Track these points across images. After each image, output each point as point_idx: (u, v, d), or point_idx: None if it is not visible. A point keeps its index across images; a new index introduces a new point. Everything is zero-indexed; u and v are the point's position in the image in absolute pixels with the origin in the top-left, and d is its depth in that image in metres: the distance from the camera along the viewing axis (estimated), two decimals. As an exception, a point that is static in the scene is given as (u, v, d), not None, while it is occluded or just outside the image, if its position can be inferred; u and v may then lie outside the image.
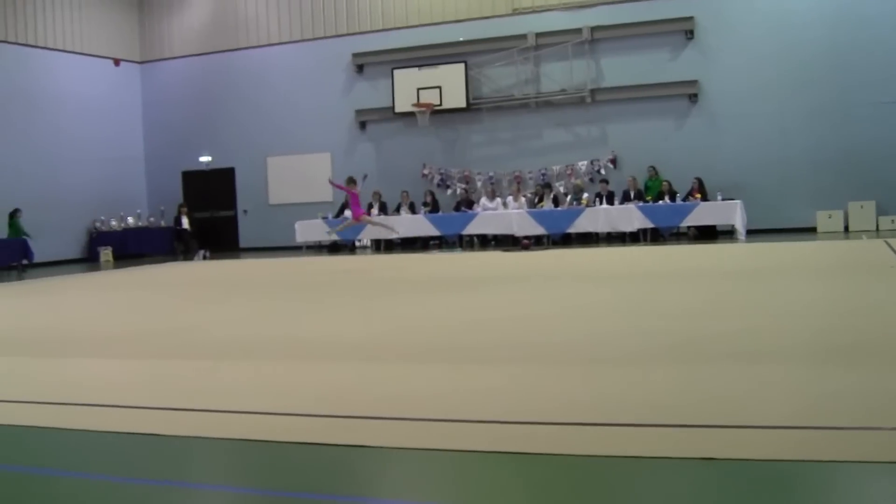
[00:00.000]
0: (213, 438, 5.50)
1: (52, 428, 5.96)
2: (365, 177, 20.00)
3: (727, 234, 22.11)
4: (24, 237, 23.80)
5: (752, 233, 21.49)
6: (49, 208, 25.86)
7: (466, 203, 24.88)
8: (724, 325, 8.79)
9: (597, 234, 23.19)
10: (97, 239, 27.33)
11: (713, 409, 5.53)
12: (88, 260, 26.93)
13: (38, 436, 5.85)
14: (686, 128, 23.90)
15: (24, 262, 22.76)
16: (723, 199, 21.84)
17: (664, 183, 22.93)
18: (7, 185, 24.88)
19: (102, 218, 27.82)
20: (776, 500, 4.08)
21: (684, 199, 22.33)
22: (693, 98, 23.78)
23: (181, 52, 29.59)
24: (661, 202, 22.43)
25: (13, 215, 24.66)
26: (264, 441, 5.37)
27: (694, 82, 23.71)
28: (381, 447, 5.11)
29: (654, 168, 23.61)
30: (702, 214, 21.82)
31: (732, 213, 21.54)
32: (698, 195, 22.20)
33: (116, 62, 29.12)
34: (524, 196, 24.25)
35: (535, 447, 4.93)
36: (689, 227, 22.53)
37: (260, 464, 5.10)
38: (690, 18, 23.75)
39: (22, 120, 25.76)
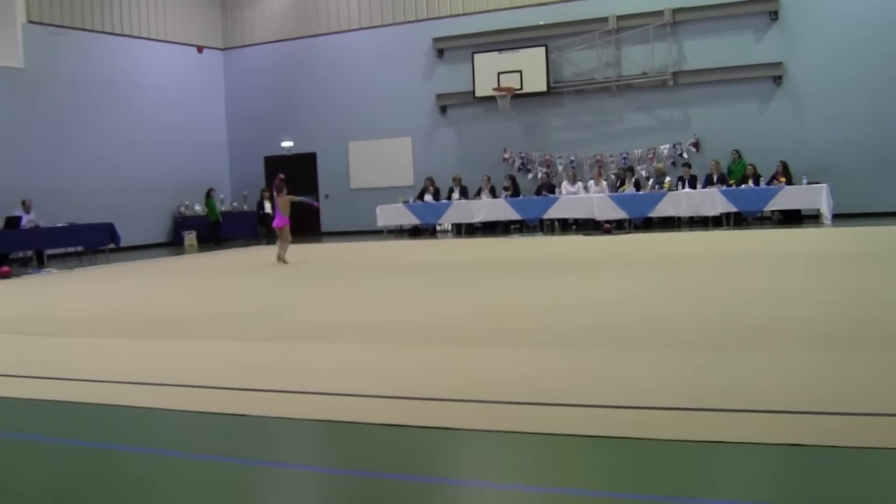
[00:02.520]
0: (299, 419, 5.65)
1: (144, 408, 6.17)
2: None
3: (812, 218, 21.77)
4: (217, 218, 26.33)
5: (839, 217, 21.17)
6: (135, 193, 26.38)
7: (548, 187, 24.84)
8: (805, 310, 8.78)
9: (679, 218, 23.01)
10: (181, 223, 27.80)
11: (795, 395, 5.54)
12: (173, 244, 27.39)
13: (125, 414, 6.06)
14: (770, 111, 23.60)
15: (112, 245, 23.19)
16: (808, 183, 21.49)
17: (748, 167, 22.67)
18: (94, 171, 25.46)
19: (187, 203, 28.29)
20: (860, 488, 4.09)
21: (768, 183, 22.04)
22: (778, 80, 23.47)
23: (263, 38, 29.90)
24: (744, 186, 22.18)
25: (209, 195, 26.56)
26: (349, 422, 5.49)
27: (778, 64, 23.39)
28: (464, 429, 5.20)
29: (737, 151, 23.35)
30: (786, 198, 21.53)
31: (818, 197, 21.22)
32: (783, 179, 21.88)
33: (199, 49, 29.50)
34: (605, 180, 24.14)
35: (616, 431, 4.99)
36: (773, 212, 22.28)
37: (344, 445, 5.22)
38: (775, -1, 23.49)
39: (108, 107, 26.26)
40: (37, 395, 6.73)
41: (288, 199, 18.11)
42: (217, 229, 27.10)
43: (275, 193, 18.39)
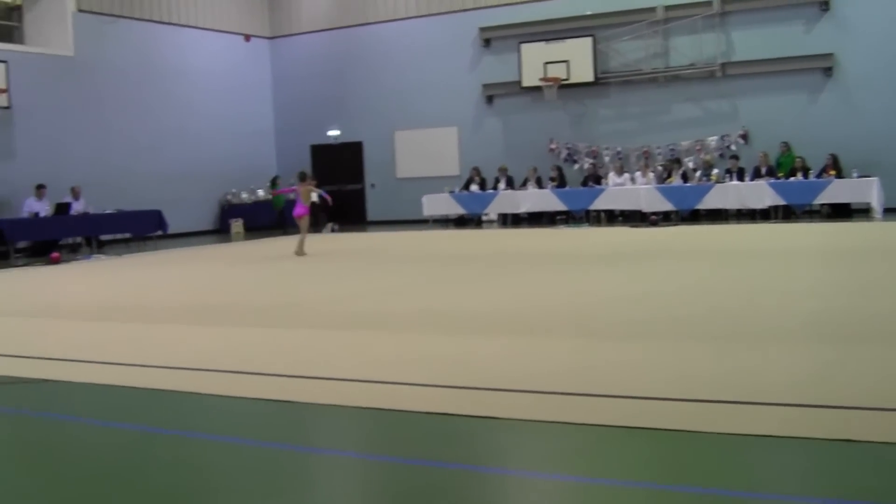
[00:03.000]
0: (346, 406, 5.72)
1: (191, 392, 6.30)
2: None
3: (862, 212, 21.51)
4: (282, 205, 26.29)
5: (890, 211, 20.90)
6: (182, 181, 26.61)
7: (594, 178, 24.75)
8: (855, 303, 8.76)
9: (726, 210, 22.86)
10: (228, 211, 28.01)
11: (848, 390, 5.52)
12: (220, 231, 27.61)
13: (177, 399, 6.19)
14: (820, 103, 23.37)
15: (159, 232, 23.43)
16: (858, 177, 21.26)
17: (797, 159, 22.44)
18: (142, 159, 25.72)
19: (233, 191, 28.48)
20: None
21: (818, 176, 21.83)
22: (828, 72, 23.22)
23: (310, 27, 29.98)
24: (793, 179, 21.97)
25: (274, 182, 27.08)
26: (397, 410, 5.56)
27: (829, 56, 23.13)
28: (513, 419, 5.24)
29: (786, 144, 23.12)
30: (836, 192, 21.30)
31: (868, 191, 20.96)
32: (832, 172, 21.65)
33: (247, 38, 29.64)
34: (652, 171, 24.02)
35: (665, 423, 5.00)
36: (822, 205, 22.04)
37: (391, 432, 5.29)
38: (826, -10, 23.21)
39: (156, 95, 26.50)
40: (86, 379, 6.89)
41: (309, 189, 17.98)
42: (283, 216, 26.98)
43: (297, 182, 18.17)
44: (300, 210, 17.62)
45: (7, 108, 22.26)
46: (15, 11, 24.42)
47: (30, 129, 22.96)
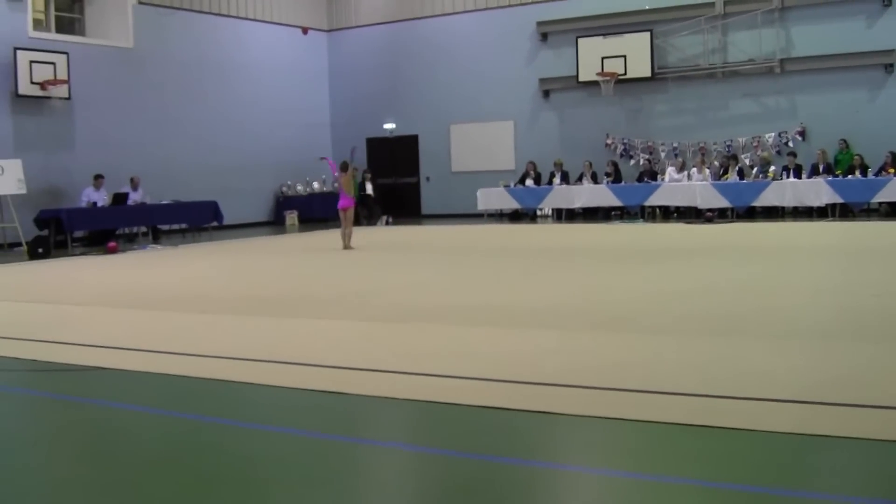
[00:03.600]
0: (397, 399, 5.75)
1: (244, 382, 6.36)
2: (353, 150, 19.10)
3: (922, 210, 21.24)
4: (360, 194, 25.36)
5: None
6: (238, 172, 26.81)
7: (650, 174, 24.61)
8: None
9: (783, 208, 22.60)
10: (283, 203, 28.20)
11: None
12: (275, 223, 27.80)
13: (230, 389, 6.25)
14: (881, 100, 23.02)
15: (215, 223, 23.63)
16: (919, 175, 20.98)
17: (855, 157, 22.15)
18: (199, 150, 25.96)
19: (289, 182, 28.64)
20: None
21: (876, 174, 21.53)
22: (889, 68, 22.88)
23: (367, 20, 30.06)
24: (851, 177, 21.70)
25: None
26: (448, 403, 5.55)
27: (891, 52, 22.78)
28: (564, 414, 5.22)
29: (845, 141, 22.84)
30: (895, 190, 20.97)
31: (928, 190, 20.68)
32: (892, 170, 21.33)
33: (305, 31, 29.74)
34: (709, 167, 23.82)
35: (721, 421, 4.94)
36: (880, 204, 21.75)
37: (442, 425, 5.30)
38: (889, -16, 22.87)
39: (213, 88, 26.72)
40: (139, 368, 6.96)
41: (352, 178, 17.69)
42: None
43: (337, 172, 17.80)
44: (344, 202, 17.29)
45: (67, 98, 22.56)
46: (76, 3, 24.74)
47: (89, 120, 23.28)
